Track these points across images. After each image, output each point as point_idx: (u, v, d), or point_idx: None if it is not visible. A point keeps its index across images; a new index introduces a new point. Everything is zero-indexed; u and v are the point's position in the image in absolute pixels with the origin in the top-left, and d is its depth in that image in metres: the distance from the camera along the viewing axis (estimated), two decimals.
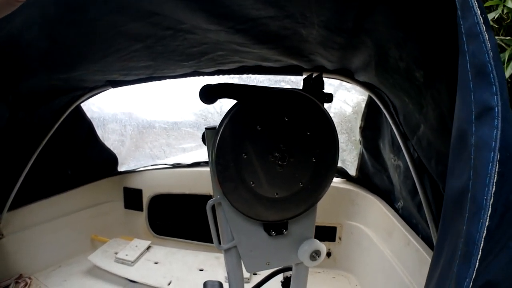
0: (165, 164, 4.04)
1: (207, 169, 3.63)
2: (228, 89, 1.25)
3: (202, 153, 3.93)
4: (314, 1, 1.26)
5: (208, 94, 1.25)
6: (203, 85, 1.24)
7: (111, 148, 3.90)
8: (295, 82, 3.04)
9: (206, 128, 1.36)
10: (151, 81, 2.76)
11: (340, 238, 3.36)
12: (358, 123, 2.98)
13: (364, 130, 2.94)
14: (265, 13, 1.38)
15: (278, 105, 1.24)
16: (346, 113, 3.23)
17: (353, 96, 3.11)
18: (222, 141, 1.21)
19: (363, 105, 2.93)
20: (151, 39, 1.75)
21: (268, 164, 1.26)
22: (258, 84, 2.95)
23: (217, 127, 1.25)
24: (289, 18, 1.42)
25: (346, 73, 2.24)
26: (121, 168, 4.09)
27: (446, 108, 1.32)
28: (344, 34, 1.53)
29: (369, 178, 3.20)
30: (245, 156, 1.23)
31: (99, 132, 3.70)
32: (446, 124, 1.37)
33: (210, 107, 3.83)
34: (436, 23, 1.11)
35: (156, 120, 4.08)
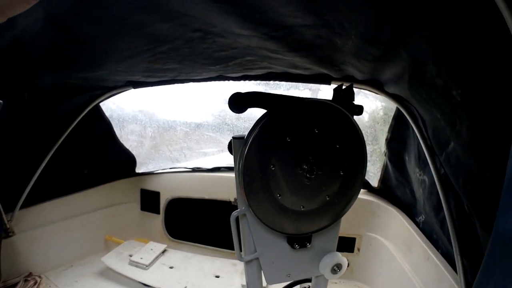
0: (185, 168, 4.02)
1: (228, 174, 3.61)
2: (259, 98, 1.20)
3: (223, 158, 3.92)
4: (355, 12, 1.22)
5: (238, 103, 1.20)
6: (232, 93, 1.21)
7: (130, 149, 3.89)
8: (313, 89, 3.01)
9: (233, 138, 1.32)
10: (174, 83, 2.75)
11: (358, 249, 3.32)
12: (384, 134, 2.93)
13: (390, 142, 2.88)
14: (302, 21, 1.35)
15: (309, 116, 1.20)
16: (364, 119, 3.21)
17: (371, 103, 3.09)
18: (250, 152, 1.17)
19: (382, 112, 2.89)
20: (178, 40, 1.72)
21: (296, 177, 1.22)
22: (276, 90, 2.94)
23: (245, 137, 1.22)
24: (326, 27, 1.38)
25: (375, 84, 2.21)
26: (139, 169, 4.09)
27: (482, 128, 1.28)
28: (380, 46, 1.49)
29: (391, 191, 3.15)
30: (273, 168, 1.19)
31: (118, 132, 3.70)
32: (480, 143, 1.33)
33: (227, 109, 3.77)
34: (481, 44, 1.06)
35: (177, 122, 4.07)
